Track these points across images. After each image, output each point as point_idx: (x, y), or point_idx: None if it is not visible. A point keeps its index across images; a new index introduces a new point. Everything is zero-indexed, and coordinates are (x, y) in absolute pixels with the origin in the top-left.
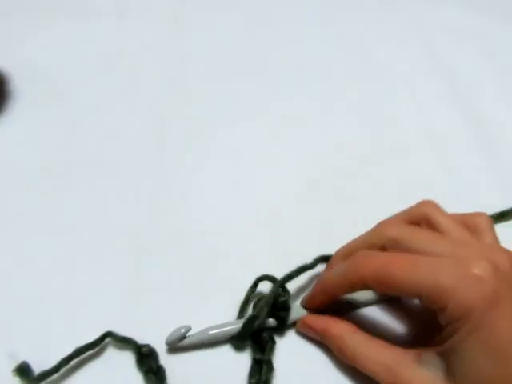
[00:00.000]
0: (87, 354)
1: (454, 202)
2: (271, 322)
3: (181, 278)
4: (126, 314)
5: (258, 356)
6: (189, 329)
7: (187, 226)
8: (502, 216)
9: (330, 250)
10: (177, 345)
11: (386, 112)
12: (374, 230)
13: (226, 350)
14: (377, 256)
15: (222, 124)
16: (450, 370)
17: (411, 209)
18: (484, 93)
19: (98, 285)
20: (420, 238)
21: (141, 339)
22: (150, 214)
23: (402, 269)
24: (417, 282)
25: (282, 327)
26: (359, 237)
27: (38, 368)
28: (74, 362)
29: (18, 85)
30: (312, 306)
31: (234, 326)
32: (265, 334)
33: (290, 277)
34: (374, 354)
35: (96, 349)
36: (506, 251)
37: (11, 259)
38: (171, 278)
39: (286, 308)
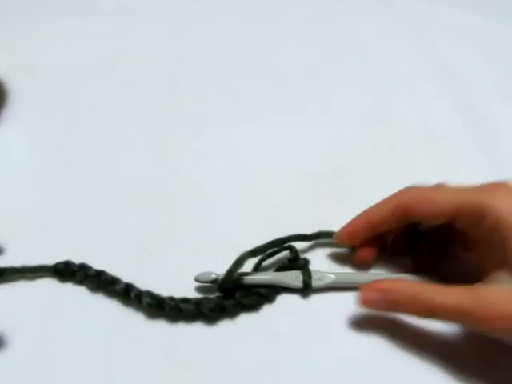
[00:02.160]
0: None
1: None
2: (297, 283)
3: (180, 277)
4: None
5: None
6: (218, 276)
7: (187, 226)
8: None
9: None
10: (203, 282)
11: (386, 112)
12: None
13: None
14: (419, 186)
15: (221, 124)
16: None
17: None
18: (484, 93)
19: None
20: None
21: None
22: (150, 213)
23: (440, 191)
24: (455, 198)
25: (306, 289)
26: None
27: None
28: None
29: (18, 85)
30: (346, 236)
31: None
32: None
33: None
34: (450, 293)
35: None
36: None
37: (10, 260)
38: (171, 277)
39: (306, 269)
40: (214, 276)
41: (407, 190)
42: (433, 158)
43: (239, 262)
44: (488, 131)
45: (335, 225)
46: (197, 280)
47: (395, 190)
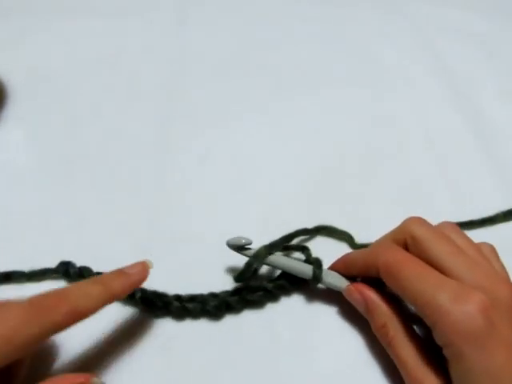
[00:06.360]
0: None
1: (454, 202)
2: (308, 273)
3: (180, 277)
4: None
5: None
6: (249, 242)
7: (187, 226)
8: (505, 216)
9: (329, 249)
10: (234, 247)
11: (386, 112)
12: (401, 224)
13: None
14: (395, 251)
15: (222, 124)
16: None
17: (436, 226)
18: (484, 93)
19: None
20: (441, 246)
21: None
22: (150, 213)
23: (410, 273)
24: (418, 290)
25: (315, 281)
26: (389, 232)
27: None
28: None
29: (18, 85)
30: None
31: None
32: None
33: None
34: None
35: None
36: (509, 283)
37: (11, 260)
38: (171, 277)
39: (318, 263)
40: (244, 241)
41: (383, 253)
42: (433, 157)
43: (258, 254)
44: (488, 131)
45: (335, 225)
46: (228, 245)
47: (394, 190)
